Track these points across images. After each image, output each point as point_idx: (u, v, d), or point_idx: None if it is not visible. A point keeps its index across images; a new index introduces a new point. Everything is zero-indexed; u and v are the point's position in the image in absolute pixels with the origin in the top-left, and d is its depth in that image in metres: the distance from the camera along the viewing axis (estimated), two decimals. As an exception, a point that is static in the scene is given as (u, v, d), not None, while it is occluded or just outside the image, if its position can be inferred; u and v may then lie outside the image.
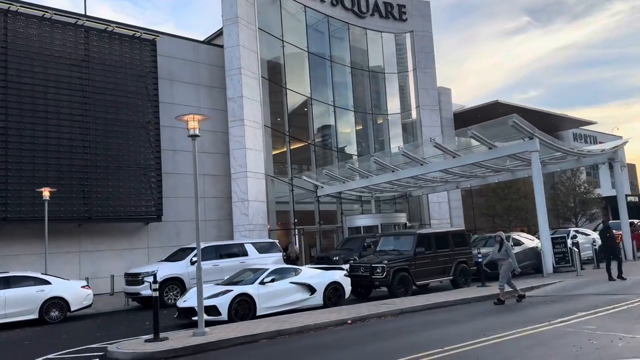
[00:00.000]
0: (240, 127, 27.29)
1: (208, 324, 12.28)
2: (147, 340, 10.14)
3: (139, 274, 17.33)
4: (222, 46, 28.28)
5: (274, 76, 30.59)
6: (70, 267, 23.11)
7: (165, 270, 17.54)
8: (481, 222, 40.56)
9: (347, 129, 34.89)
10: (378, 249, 18.17)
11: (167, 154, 26.27)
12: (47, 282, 15.28)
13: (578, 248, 20.88)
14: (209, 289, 13.38)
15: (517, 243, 20.53)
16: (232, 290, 12.80)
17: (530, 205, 39.05)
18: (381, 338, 9.78)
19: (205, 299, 12.66)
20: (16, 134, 21.46)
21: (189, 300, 12.98)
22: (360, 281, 16.42)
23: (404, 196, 34.28)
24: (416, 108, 36.89)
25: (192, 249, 18.74)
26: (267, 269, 13.92)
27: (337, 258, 20.67)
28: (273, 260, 19.51)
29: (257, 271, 14.11)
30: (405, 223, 30.36)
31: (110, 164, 23.71)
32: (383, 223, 28.83)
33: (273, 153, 30.18)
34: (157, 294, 10.55)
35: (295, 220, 29.66)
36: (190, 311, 12.63)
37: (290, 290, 13.73)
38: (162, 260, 19.01)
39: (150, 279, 17.13)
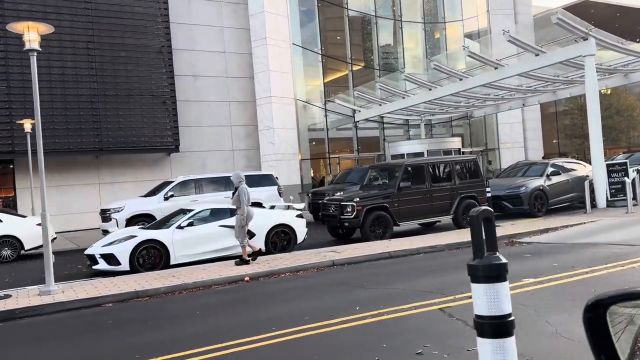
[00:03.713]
0: (263, 47, 24.74)
1: (108, 274, 10.66)
2: (-19, 299, 8.65)
3: (108, 210, 16.09)
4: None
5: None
6: (90, 199, 22.72)
7: (134, 207, 16.12)
8: (566, 145, 35.29)
9: (393, 44, 30.78)
10: (365, 182, 15.31)
11: (187, 80, 24.60)
12: (-2, 220, 14.49)
13: (643, 178, 16.55)
14: (118, 234, 11.67)
15: (555, 172, 16.54)
16: (136, 236, 10.92)
17: (625, 122, 33.14)
18: (236, 310, 7.45)
19: (105, 246, 11.02)
20: (17, 64, 20.74)
21: (94, 245, 11.34)
22: (331, 222, 13.90)
23: (464, 118, 30.13)
24: (486, 13, 31.63)
25: (171, 182, 17.21)
26: (193, 210, 11.85)
27: (339, 194, 18.01)
28: (266, 195, 17.48)
29: (188, 212, 12.10)
30: (459, 149, 26.59)
31: (120, 93, 22.52)
32: (430, 149, 25.40)
33: (305, 75, 27.35)
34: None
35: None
36: (91, 258, 11.03)
37: (218, 235, 11.57)
38: (142, 196, 17.65)
39: (117, 215, 15.92)
